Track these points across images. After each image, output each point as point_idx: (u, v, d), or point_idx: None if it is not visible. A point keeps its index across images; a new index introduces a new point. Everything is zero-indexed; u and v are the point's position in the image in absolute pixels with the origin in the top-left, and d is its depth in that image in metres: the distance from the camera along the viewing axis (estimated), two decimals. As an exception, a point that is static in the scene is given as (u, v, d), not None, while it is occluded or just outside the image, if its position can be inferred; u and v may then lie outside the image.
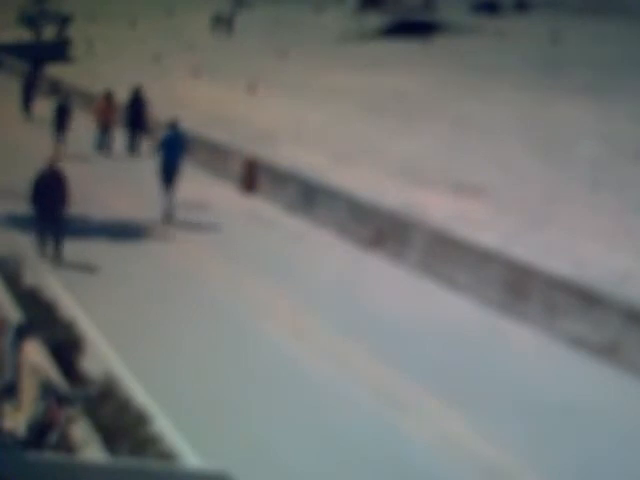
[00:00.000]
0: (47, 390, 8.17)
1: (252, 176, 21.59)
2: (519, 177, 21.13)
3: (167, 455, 7.93)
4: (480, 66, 40.55)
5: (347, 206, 17.91)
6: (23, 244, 15.37)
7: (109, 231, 17.31)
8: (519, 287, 13.53)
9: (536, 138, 25.65)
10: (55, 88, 36.64)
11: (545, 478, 9.23)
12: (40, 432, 7.88)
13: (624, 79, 34.98)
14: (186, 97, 34.49)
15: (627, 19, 52.45)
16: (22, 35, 57.62)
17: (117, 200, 19.81)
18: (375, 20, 59.06)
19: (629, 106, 29.37)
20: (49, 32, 59.02)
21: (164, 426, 9.23)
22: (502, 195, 19.48)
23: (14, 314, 10.36)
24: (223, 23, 64.71)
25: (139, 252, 16.50)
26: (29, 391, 8.84)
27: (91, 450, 7.54)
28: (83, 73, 42.50)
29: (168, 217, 18.35)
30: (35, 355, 9.32)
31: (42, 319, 10.44)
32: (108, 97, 27.11)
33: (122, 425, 8.28)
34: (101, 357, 11.09)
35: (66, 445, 7.73)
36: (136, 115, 26.41)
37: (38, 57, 46.41)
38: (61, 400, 8.02)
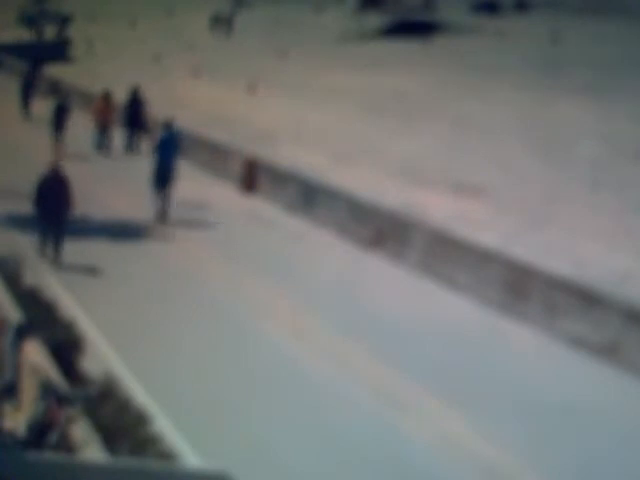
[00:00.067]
0: (47, 390, 8.17)
1: (252, 176, 21.59)
2: (519, 177, 21.12)
3: (167, 455, 7.93)
4: (480, 66, 40.51)
5: (347, 206, 17.91)
6: (23, 244, 15.37)
7: (109, 231, 17.30)
8: (519, 287, 13.53)
9: (536, 138, 25.64)
10: (54, 88, 36.64)
11: (545, 478, 9.23)
12: (40, 432, 7.88)
13: (624, 79, 34.94)
14: (186, 97, 34.50)
15: (627, 19, 52.40)
16: (22, 35, 57.59)
17: (116, 200, 19.81)
18: (375, 20, 59.00)
19: (629, 106, 29.34)
20: (49, 32, 58.99)
21: (164, 426, 9.23)
22: (502, 195, 19.47)
23: (14, 314, 10.37)
24: (223, 23, 64.62)
25: (139, 252, 16.50)
26: (29, 391, 8.83)
27: (91, 450, 7.54)
28: (83, 73, 42.47)
29: (162, 217, 18.34)
30: (35, 355, 9.32)
31: (42, 319, 10.44)
32: (106, 97, 27.21)
33: (122, 425, 8.28)
34: (101, 357, 11.10)
35: (66, 445, 7.73)
36: (134, 115, 26.53)
37: (38, 57, 46.34)
38: (61, 400, 8.02)
